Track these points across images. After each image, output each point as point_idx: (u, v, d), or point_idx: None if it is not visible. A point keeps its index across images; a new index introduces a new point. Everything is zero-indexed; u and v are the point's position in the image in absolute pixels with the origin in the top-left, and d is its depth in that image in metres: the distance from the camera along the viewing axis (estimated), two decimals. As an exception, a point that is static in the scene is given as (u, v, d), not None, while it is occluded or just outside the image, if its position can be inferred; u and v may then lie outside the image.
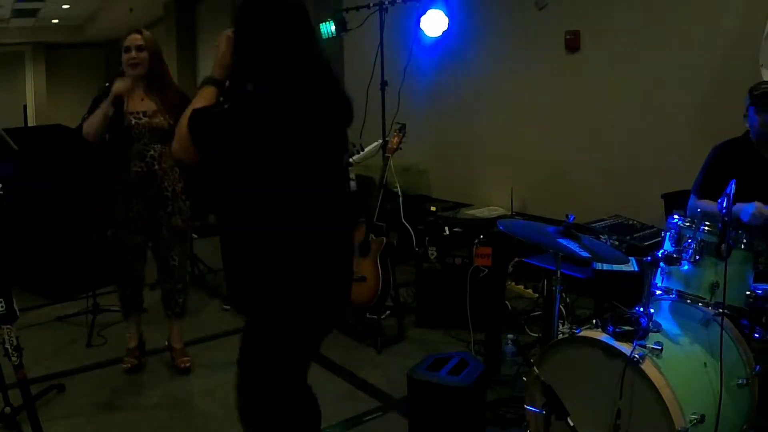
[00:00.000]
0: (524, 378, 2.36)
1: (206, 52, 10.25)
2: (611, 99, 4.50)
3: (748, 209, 2.61)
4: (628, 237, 3.47)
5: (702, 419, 2.02)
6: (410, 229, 4.13)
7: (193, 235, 3.69)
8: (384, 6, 4.08)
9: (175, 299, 3.40)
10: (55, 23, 13.18)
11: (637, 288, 2.36)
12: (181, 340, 3.53)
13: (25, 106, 14.70)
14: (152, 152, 3.14)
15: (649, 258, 2.33)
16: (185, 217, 3.29)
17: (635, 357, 2.03)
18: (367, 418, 3.02)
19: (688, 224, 2.39)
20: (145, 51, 3.10)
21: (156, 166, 3.15)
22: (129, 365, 3.42)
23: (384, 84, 4.11)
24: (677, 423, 1.95)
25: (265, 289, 1.82)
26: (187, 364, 3.45)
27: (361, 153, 4.29)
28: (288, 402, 1.95)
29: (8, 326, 2.49)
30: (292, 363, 1.92)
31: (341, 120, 1.92)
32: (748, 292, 2.37)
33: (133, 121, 3.09)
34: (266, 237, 1.79)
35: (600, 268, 3.12)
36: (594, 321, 2.30)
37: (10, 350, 2.48)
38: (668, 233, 2.46)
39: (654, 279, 2.45)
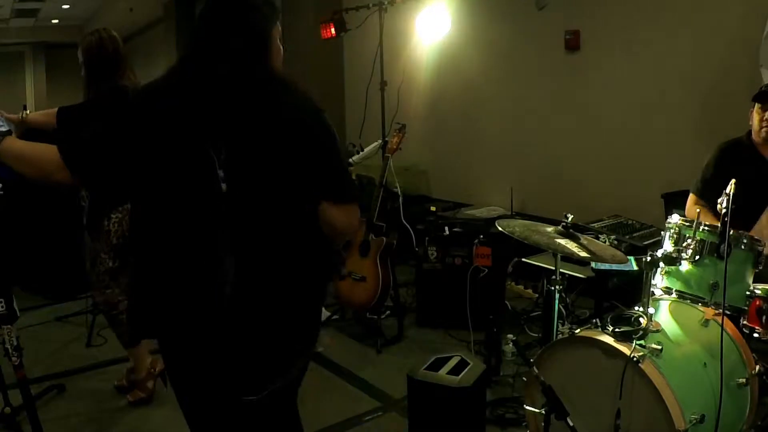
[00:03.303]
0: (524, 378, 2.35)
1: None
2: (611, 99, 4.49)
3: None
4: (627, 237, 3.47)
5: (702, 419, 2.02)
6: (410, 229, 4.13)
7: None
8: (383, 6, 4.08)
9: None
10: (55, 23, 13.18)
11: (636, 288, 2.36)
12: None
13: (25, 106, 14.70)
14: None
15: (648, 258, 2.33)
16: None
17: (635, 357, 2.03)
18: (367, 418, 3.03)
19: (688, 224, 2.39)
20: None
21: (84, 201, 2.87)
22: (124, 388, 3.18)
23: (383, 84, 4.11)
24: (677, 423, 1.95)
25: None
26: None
27: (361, 153, 4.29)
28: None
29: (8, 326, 2.49)
30: None
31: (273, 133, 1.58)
32: (748, 292, 2.37)
33: None
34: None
35: (600, 268, 3.12)
36: (594, 321, 2.30)
37: (10, 350, 2.48)
38: (668, 233, 2.46)
39: (654, 279, 2.45)
